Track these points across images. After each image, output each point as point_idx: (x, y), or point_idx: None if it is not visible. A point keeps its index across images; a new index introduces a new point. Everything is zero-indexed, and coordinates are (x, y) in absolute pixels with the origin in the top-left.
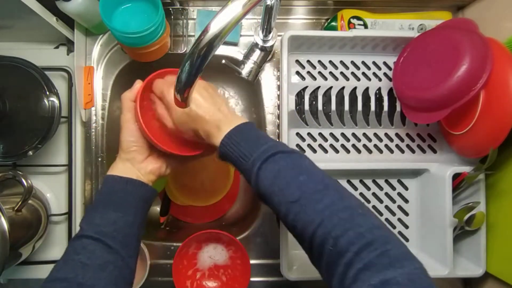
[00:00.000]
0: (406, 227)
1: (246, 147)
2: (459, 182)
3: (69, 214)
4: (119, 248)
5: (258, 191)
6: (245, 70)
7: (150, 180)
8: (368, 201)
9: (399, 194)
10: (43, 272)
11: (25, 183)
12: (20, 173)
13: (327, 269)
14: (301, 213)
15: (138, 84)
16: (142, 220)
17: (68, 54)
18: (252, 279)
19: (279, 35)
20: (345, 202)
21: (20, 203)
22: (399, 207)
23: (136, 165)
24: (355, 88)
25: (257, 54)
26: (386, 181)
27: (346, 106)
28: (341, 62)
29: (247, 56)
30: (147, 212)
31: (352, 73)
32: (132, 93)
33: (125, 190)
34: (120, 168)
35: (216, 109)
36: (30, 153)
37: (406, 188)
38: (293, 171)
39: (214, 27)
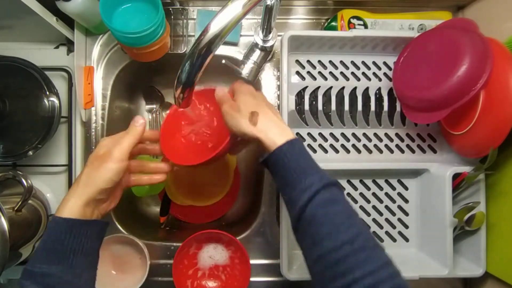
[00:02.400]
0: (406, 227)
1: (307, 163)
2: (459, 182)
3: None
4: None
5: (302, 213)
6: (245, 70)
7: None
8: (368, 201)
9: (399, 194)
10: None
11: (25, 183)
12: (20, 173)
13: None
14: (351, 255)
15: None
16: (96, 260)
17: (68, 54)
18: (252, 279)
19: (279, 35)
20: (391, 260)
21: (20, 203)
22: (399, 207)
23: (98, 205)
24: (355, 88)
25: (257, 54)
26: (386, 181)
27: (346, 106)
28: (341, 62)
29: (247, 56)
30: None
31: (352, 73)
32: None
33: (77, 236)
34: (69, 206)
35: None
36: (30, 153)
37: (406, 188)
38: (349, 209)
39: (214, 27)
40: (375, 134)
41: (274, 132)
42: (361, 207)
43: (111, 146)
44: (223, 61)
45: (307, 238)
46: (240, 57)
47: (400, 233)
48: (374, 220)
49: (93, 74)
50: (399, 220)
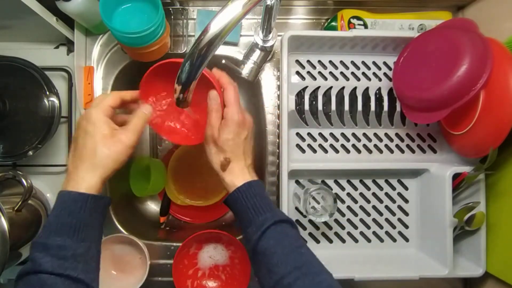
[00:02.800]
0: (406, 227)
1: (262, 202)
2: (459, 182)
3: None
4: (82, 276)
5: (256, 246)
6: (245, 70)
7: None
8: (368, 201)
9: (399, 194)
10: None
11: (25, 183)
12: (20, 173)
13: None
14: (300, 279)
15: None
16: (101, 234)
17: (68, 54)
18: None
19: (279, 35)
20: (334, 282)
21: (20, 203)
22: (399, 207)
23: (105, 175)
24: (355, 88)
25: (257, 54)
26: (386, 181)
27: (346, 106)
28: (341, 62)
29: (247, 56)
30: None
31: (352, 73)
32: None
33: (90, 210)
34: (87, 183)
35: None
36: (30, 153)
37: (406, 188)
38: (298, 242)
39: (214, 27)
40: (375, 134)
41: (237, 176)
42: (361, 207)
43: (110, 123)
44: (223, 61)
45: (263, 268)
46: (240, 57)
47: (400, 233)
48: (374, 220)
49: (93, 74)
50: (399, 220)
